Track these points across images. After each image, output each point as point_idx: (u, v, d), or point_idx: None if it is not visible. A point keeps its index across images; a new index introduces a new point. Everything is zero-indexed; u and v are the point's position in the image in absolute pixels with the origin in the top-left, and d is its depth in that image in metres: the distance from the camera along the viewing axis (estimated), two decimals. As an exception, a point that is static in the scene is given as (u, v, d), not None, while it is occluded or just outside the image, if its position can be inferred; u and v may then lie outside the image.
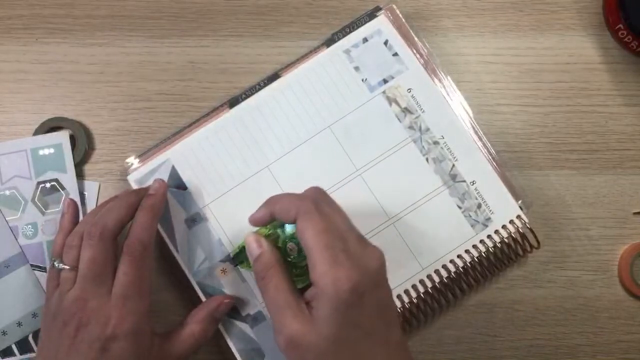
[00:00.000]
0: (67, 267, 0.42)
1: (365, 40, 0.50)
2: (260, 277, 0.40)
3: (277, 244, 0.42)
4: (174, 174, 0.49)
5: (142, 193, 0.46)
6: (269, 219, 0.42)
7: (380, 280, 0.39)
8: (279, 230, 0.42)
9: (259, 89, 0.50)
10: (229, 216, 0.48)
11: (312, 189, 0.42)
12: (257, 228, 0.43)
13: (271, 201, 0.42)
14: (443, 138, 0.50)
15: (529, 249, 0.50)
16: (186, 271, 0.48)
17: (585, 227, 0.52)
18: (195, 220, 0.48)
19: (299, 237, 0.38)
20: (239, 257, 0.45)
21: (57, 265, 0.43)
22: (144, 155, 0.49)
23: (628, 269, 0.51)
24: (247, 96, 0.50)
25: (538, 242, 0.50)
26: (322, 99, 0.50)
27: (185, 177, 0.49)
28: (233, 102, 0.50)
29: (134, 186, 0.48)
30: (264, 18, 0.53)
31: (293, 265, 0.41)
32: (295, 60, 0.51)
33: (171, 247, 0.48)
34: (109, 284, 0.41)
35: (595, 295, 0.52)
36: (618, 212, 0.52)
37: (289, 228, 0.41)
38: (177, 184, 0.49)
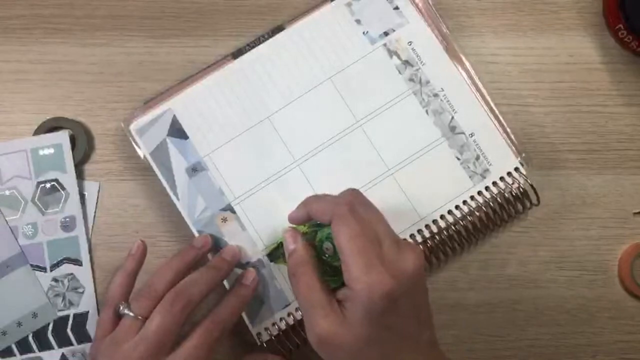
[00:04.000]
0: (131, 315, 0.42)
1: None
2: (292, 273, 0.40)
3: (314, 242, 0.42)
4: (175, 122, 0.49)
5: (224, 267, 0.46)
6: (306, 219, 0.43)
7: (416, 283, 0.39)
8: (316, 229, 0.42)
9: (263, 41, 0.50)
10: (229, 165, 0.49)
11: (348, 191, 0.42)
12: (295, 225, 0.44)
13: (308, 202, 0.43)
14: (443, 90, 0.50)
15: (528, 205, 0.50)
16: (187, 219, 0.48)
17: (585, 227, 0.52)
18: (196, 169, 0.49)
19: (334, 240, 0.38)
20: (276, 254, 0.46)
21: (121, 310, 0.42)
22: (149, 102, 0.49)
23: (628, 269, 0.51)
24: (251, 47, 0.50)
25: (538, 198, 0.50)
26: (323, 52, 0.50)
27: (187, 126, 0.49)
28: (237, 53, 0.50)
29: (135, 136, 0.48)
30: (264, 18, 0.53)
31: (327, 265, 0.41)
32: (299, 13, 0.51)
33: (172, 196, 0.48)
34: (168, 352, 0.41)
35: (595, 295, 0.52)
36: (618, 212, 0.52)
37: (327, 228, 0.41)
38: (179, 133, 0.49)
